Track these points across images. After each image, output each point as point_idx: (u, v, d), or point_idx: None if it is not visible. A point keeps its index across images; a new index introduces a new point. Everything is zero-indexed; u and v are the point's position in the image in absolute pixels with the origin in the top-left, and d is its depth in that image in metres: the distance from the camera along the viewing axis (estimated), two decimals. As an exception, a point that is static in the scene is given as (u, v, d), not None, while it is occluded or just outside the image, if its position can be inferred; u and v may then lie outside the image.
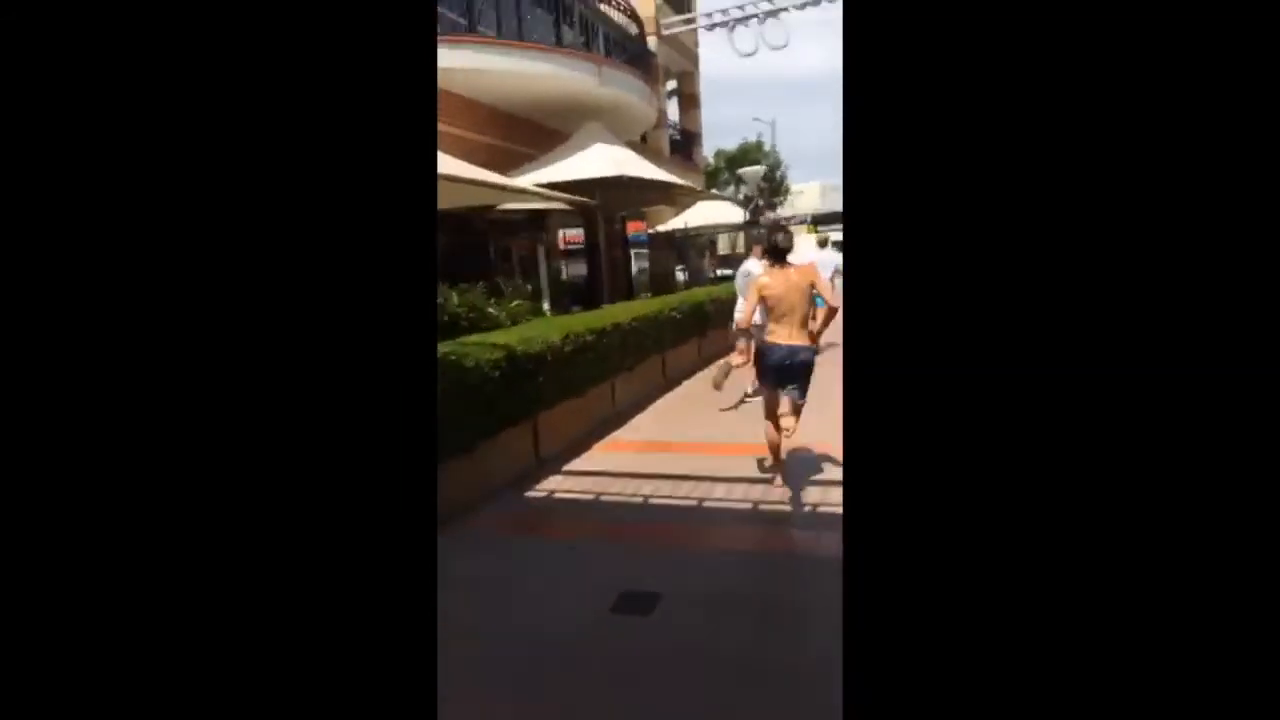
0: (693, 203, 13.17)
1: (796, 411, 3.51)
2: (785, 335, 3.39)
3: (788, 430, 3.50)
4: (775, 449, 3.59)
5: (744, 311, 3.73)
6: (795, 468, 3.84)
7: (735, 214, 13.52)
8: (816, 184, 30.74)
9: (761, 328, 3.63)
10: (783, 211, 27.48)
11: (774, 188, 26.21)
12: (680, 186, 10.49)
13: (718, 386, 5.27)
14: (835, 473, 3.85)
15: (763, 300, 3.42)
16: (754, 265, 5.29)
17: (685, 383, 6.81)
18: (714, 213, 13.43)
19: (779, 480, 3.59)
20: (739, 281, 5.85)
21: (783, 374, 3.44)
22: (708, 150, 20.68)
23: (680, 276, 15.39)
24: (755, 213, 12.57)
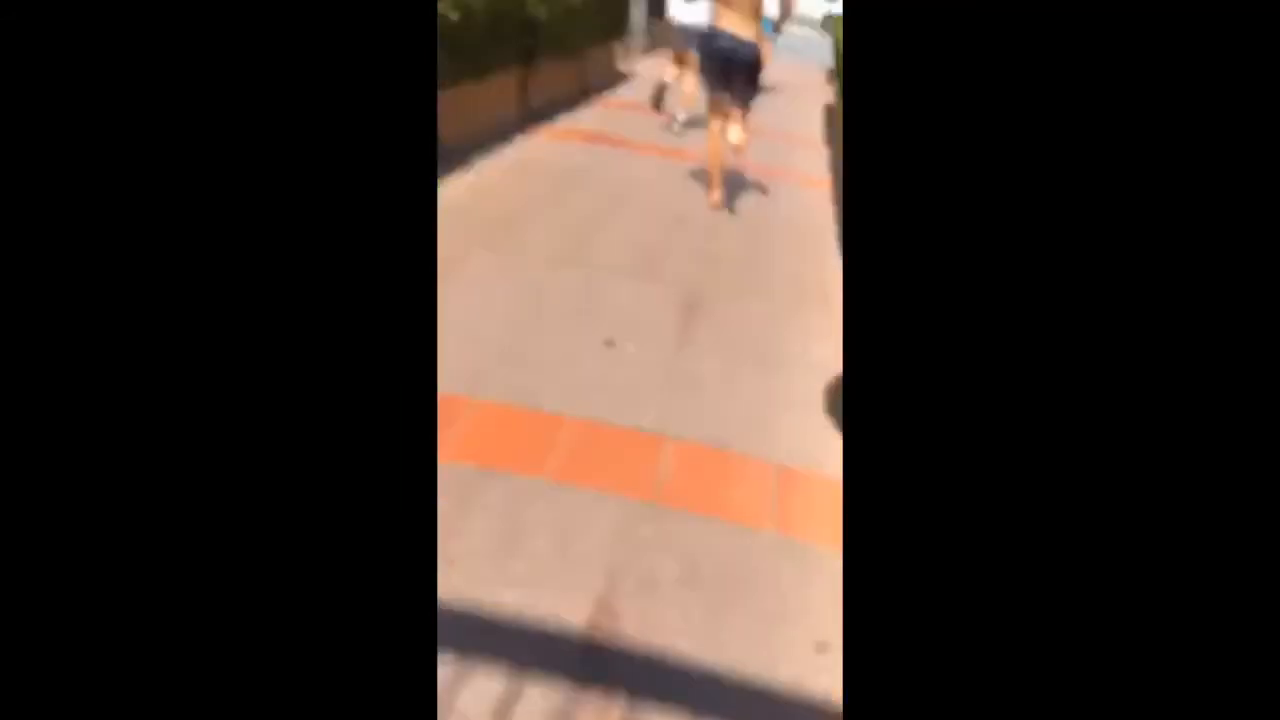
0: None
1: (743, 117, 3.20)
2: (734, 22, 3.00)
3: (738, 144, 3.18)
4: (716, 166, 3.24)
5: None
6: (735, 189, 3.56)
7: None
8: None
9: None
10: None
11: None
12: None
13: (656, 106, 4.65)
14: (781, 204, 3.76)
15: None
16: None
17: (606, 98, 5.62)
18: None
19: (715, 197, 3.24)
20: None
21: (727, 70, 3.08)
22: None
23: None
24: None
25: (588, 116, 4.83)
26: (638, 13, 7.24)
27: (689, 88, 4.37)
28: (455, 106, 3.47)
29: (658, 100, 4.62)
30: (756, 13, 3.02)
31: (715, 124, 3.26)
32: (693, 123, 4.61)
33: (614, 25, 6.17)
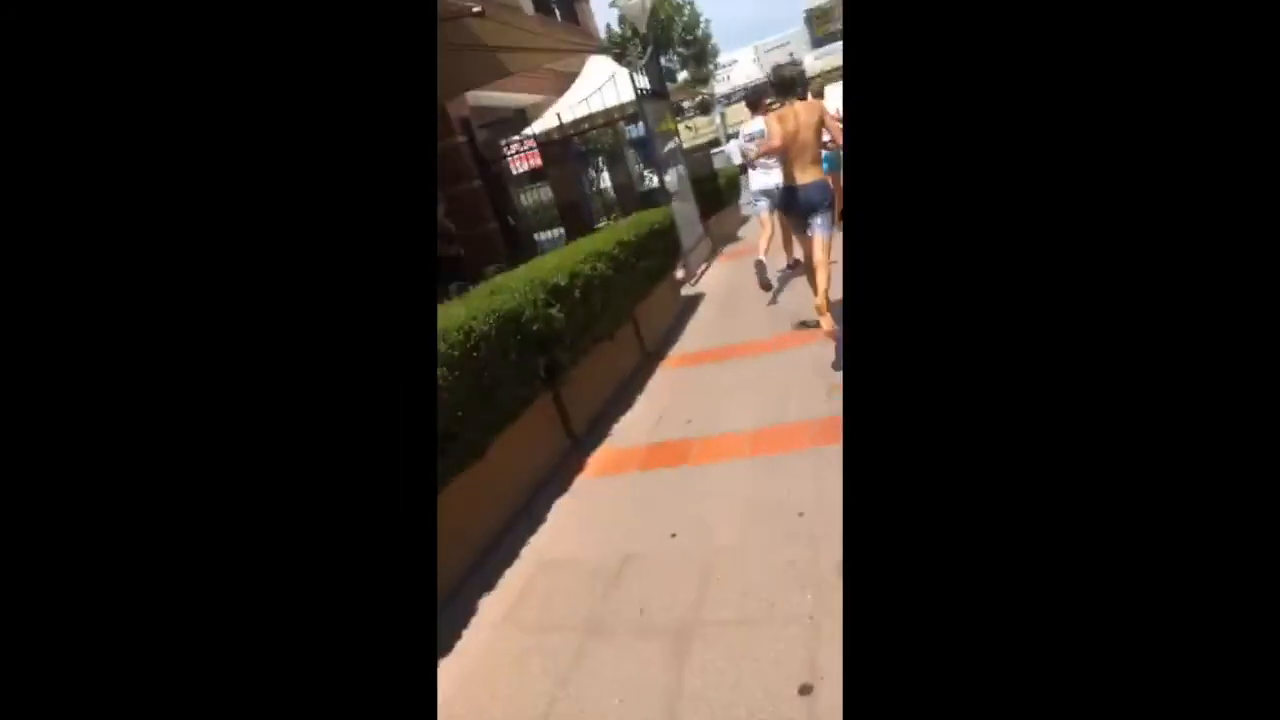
0: (569, 78, 7.93)
1: (828, 243, 3.39)
2: (798, 175, 3.37)
3: (819, 266, 3.36)
4: (816, 290, 3.42)
5: (768, 143, 3.50)
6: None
7: (619, 84, 6.97)
8: (749, 48, 26.63)
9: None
10: (717, 88, 24.00)
11: (698, 54, 22.30)
12: (548, 48, 6.67)
13: (766, 287, 4.92)
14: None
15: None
16: (757, 124, 4.93)
17: (672, 350, 4.67)
18: (591, 85, 7.41)
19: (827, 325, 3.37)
20: (739, 149, 5.52)
21: (804, 209, 3.39)
22: (608, 19, 12.75)
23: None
24: (655, 69, 6.99)
25: (641, 418, 3.64)
26: (689, 227, 6.41)
27: (769, 240, 5.12)
28: (467, 494, 2.44)
29: (766, 281, 4.90)
30: (815, 158, 3.37)
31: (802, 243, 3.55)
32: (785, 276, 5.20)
33: (664, 259, 5.09)
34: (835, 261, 3.20)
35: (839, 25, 25.18)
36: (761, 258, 4.95)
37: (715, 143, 21.59)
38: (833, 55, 23.74)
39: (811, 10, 26.77)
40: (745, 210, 9.41)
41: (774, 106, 3.94)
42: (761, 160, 4.76)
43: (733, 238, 8.71)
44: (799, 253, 4.02)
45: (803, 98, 3.52)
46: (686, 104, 22.12)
